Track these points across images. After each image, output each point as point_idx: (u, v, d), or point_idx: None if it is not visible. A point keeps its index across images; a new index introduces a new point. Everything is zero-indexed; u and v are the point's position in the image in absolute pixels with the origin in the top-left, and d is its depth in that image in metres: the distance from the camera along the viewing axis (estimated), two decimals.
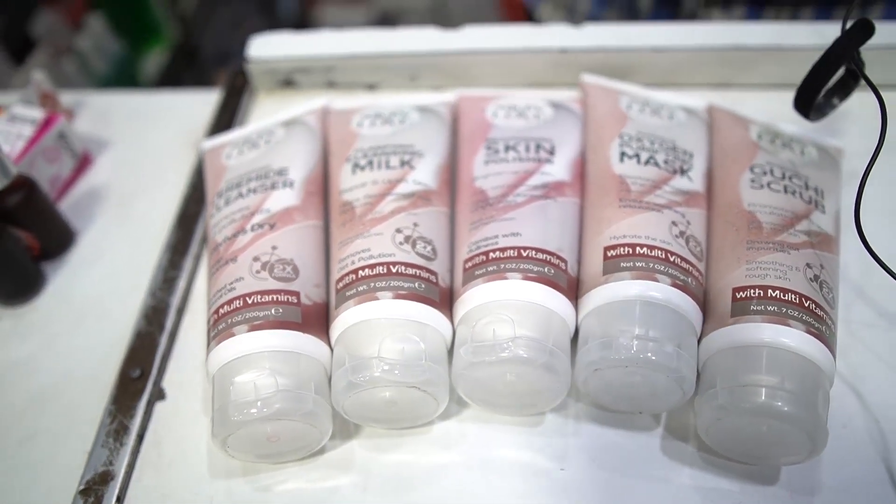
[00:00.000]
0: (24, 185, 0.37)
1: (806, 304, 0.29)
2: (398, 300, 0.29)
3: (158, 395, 0.34)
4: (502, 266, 0.29)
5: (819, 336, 0.28)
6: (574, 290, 0.31)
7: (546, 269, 0.29)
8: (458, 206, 0.34)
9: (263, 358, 0.28)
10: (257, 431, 0.28)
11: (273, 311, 0.29)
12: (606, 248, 0.30)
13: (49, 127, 0.41)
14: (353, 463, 0.31)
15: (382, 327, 0.28)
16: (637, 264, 0.29)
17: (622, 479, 0.29)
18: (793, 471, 0.29)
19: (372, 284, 0.29)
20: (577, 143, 0.36)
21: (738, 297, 0.29)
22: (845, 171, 0.36)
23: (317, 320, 0.30)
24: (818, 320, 0.28)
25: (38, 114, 0.42)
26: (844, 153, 0.37)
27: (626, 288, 0.29)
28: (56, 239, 0.40)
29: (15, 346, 0.37)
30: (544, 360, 0.27)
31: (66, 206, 0.43)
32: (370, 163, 0.34)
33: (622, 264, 0.30)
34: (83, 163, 0.44)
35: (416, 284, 0.29)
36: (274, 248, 0.31)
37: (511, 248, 0.30)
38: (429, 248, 0.31)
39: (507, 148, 0.35)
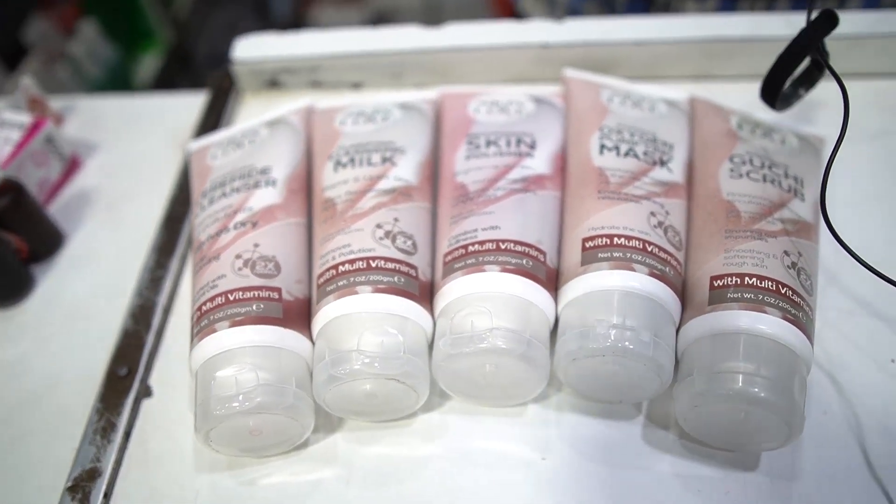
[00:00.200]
0: (12, 189, 0.38)
1: (783, 291, 0.29)
2: (377, 294, 0.29)
3: (145, 392, 0.34)
4: (481, 259, 0.30)
5: (796, 322, 0.28)
6: (553, 281, 0.31)
7: (524, 262, 0.30)
8: (440, 200, 0.34)
9: (245, 353, 0.29)
10: (239, 425, 0.28)
11: (254, 307, 0.30)
12: (585, 240, 0.31)
13: (37, 131, 0.42)
14: (337, 456, 0.31)
15: (362, 321, 0.29)
16: (615, 255, 0.30)
17: (604, 467, 0.30)
18: (773, 457, 0.29)
19: (352, 279, 0.30)
20: (559, 136, 0.36)
21: (716, 285, 0.29)
22: (825, 160, 0.36)
23: (299, 316, 0.31)
24: (795, 307, 0.29)
25: (25, 118, 0.42)
26: (825, 142, 0.37)
27: (604, 278, 0.29)
28: (45, 241, 0.40)
29: (4, 347, 0.37)
30: (522, 351, 0.28)
31: (54, 209, 0.43)
32: (352, 160, 0.35)
33: (600, 255, 0.30)
34: (72, 166, 0.45)
35: (396, 278, 0.30)
36: (256, 245, 0.32)
37: (490, 240, 0.30)
38: (409, 242, 0.31)
39: (489, 143, 0.35)
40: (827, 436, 0.30)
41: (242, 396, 0.27)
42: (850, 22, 0.40)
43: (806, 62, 0.34)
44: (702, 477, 0.29)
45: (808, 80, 0.35)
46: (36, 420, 0.34)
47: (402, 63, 0.44)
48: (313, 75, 0.45)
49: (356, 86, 0.45)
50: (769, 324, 0.28)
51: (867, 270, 0.29)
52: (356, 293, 0.29)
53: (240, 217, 0.33)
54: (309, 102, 0.40)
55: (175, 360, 0.35)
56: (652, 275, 0.29)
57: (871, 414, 0.30)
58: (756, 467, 0.29)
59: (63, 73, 0.82)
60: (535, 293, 0.29)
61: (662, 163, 0.34)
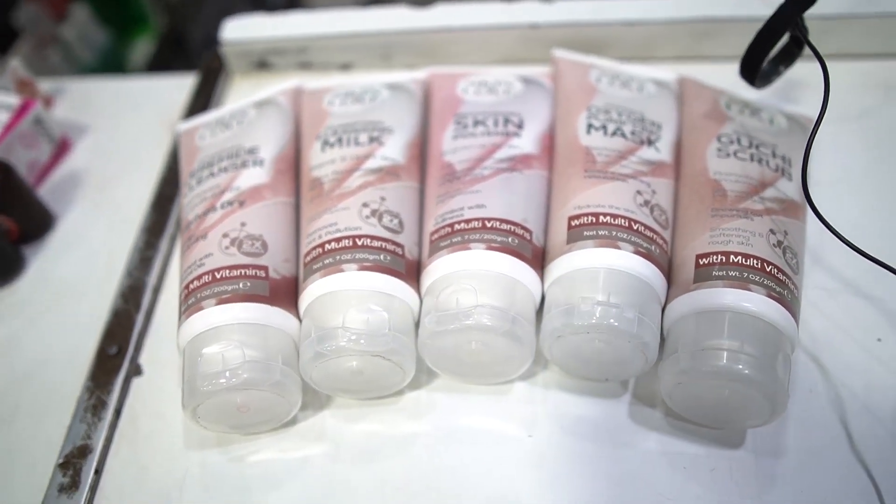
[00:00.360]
0: (1, 170, 0.38)
1: (768, 269, 0.29)
2: (363, 272, 0.29)
3: (135, 371, 0.34)
4: (466, 237, 0.30)
5: (780, 300, 0.28)
6: (540, 260, 0.31)
7: (510, 240, 0.30)
8: (427, 180, 0.34)
9: (232, 330, 0.29)
10: (227, 402, 0.28)
11: (241, 284, 0.30)
12: (571, 218, 0.31)
13: (25, 113, 0.42)
14: (325, 433, 0.31)
15: (348, 298, 0.29)
16: (600, 233, 0.30)
17: (590, 445, 0.30)
18: (758, 434, 0.30)
19: (338, 257, 0.30)
20: (547, 116, 0.36)
21: (702, 263, 0.30)
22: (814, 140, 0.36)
23: (286, 294, 0.31)
24: (780, 285, 0.29)
25: (13, 100, 0.42)
26: (814, 121, 0.37)
27: (589, 256, 0.29)
28: (35, 222, 0.40)
29: None
30: (507, 328, 0.28)
31: (45, 191, 0.43)
32: (339, 140, 0.35)
33: (585, 233, 0.30)
34: (62, 148, 0.45)
35: (382, 256, 0.30)
36: (243, 224, 0.32)
37: (476, 219, 0.30)
38: (395, 221, 0.31)
39: (476, 122, 0.35)
40: (812, 414, 0.30)
41: (229, 373, 0.27)
42: (836, 2, 0.40)
43: (785, 39, 0.34)
44: (687, 454, 0.29)
45: (788, 57, 0.35)
46: (27, 398, 0.34)
47: (391, 44, 0.43)
48: (302, 56, 0.45)
49: (345, 67, 0.45)
50: (754, 301, 0.28)
51: (853, 250, 0.29)
52: (342, 271, 0.29)
53: (227, 196, 0.33)
54: (297, 83, 0.40)
55: (165, 339, 0.35)
56: (637, 253, 0.29)
57: (855, 393, 0.30)
58: (741, 445, 0.29)
59: (55, 58, 0.81)
60: (520, 271, 0.29)
61: (650, 142, 0.34)
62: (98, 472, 0.31)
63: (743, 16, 0.40)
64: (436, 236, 0.31)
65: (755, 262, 0.29)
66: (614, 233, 0.30)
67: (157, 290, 0.37)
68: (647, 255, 0.29)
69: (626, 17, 0.41)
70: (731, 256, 0.29)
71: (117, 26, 0.93)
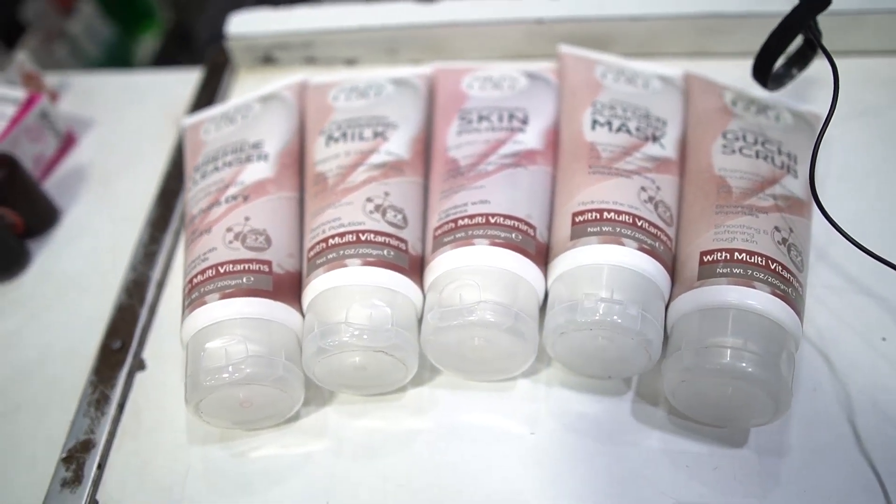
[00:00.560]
0: (6, 164, 0.38)
1: (772, 267, 0.29)
2: (366, 267, 0.29)
3: (139, 365, 0.34)
4: (470, 233, 0.30)
5: (785, 298, 0.28)
6: (543, 256, 0.31)
7: (514, 235, 0.30)
8: (432, 175, 0.34)
9: (235, 325, 0.29)
10: (229, 396, 0.28)
11: (244, 279, 0.30)
12: (575, 214, 0.30)
13: (31, 107, 0.42)
14: (327, 429, 0.31)
15: (351, 293, 0.29)
16: (604, 229, 0.30)
17: (592, 443, 0.30)
18: (762, 433, 0.29)
19: (341, 252, 0.30)
20: (552, 112, 0.36)
21: (706, 260, 0.29)
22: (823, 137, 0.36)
23: (289, 289, 0.31)
24: (784, 282, 0.29)
25: (20, 94, 0.42)
26: (821, 119, 0.36)
27: (593, 252, 0.29)
28: (40, 216, 0.40)
29: (0, 321, 0.37)
30: (510, 324, 0.28)
31: (50, 185, 0.43)
32: (343, 135, 0.35)
33: (589, 229, 0.30)
34: (67, 142, 0.45)
35: (385, 252, 0.30)
36: (247, 218, 0.32)
37: (479, 214, 0.30)
38: (399, 216, 0.31)
39: (481, 118, 0.35)
40: (817, 413, 0.30)
41: (232, 367, 0.27)
42: None
43: (799, 41, 0.34)
44: (690, 453, 0.29)
45: (802, 60, 0.35)
46: (31, 392, 0.34)
47: (396, 39, 0.43)
48: (307, 51, 0.45)
49: (350, 62, 0.45)
50: (758, 299, 0.28)
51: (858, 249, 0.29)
52: (345, 266, 0.29)
53: (231, 191, 0.33)
54: (303, 78, 0.40)
55: (168, 333, 0.35)
56: (641, 249, 0.29)
57: (861, 391, 0.30)
58: (745, 443, 0.29)
59: (61, 52, 0.81)
60: (524, 267, 0.29)
61: (655, 138, 0.34)
62: (101, 466, 0.31)
63: (749, 11, 0.40)
64: (439, 232, 0.31)
65: (760, 259, 0.29)
66: (618, 229, 0.29)
67: (160, 284, 0.37)
68: (651, 252, 0.29)
69: (631, 13, 0.41)
70: (736, 254, 0.29)
71: (123, 21, 0.93)
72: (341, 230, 0.30)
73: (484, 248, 0.29)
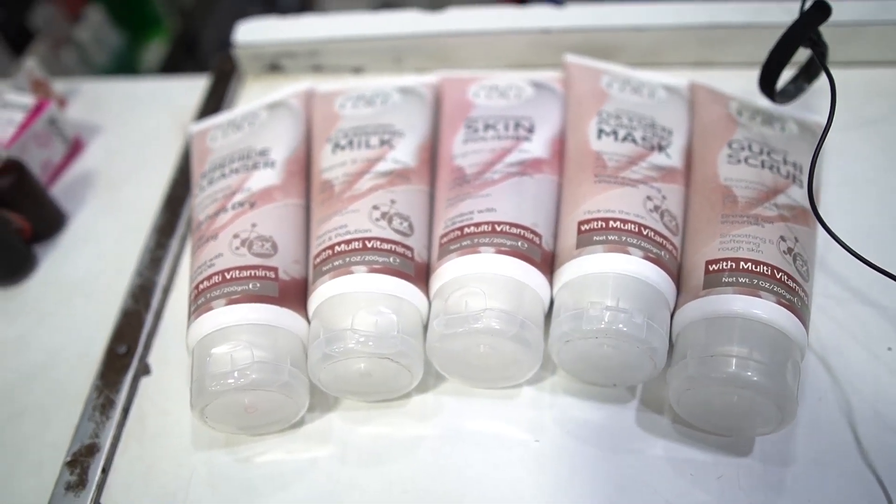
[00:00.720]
0: (15, 169, 0.38)
1: (778, 276, 0.29)
2: (372, 274, 0.29)
3: (144, 370, 0.34)
4: (476, 240, 0.30)
5: (790, 307, 0.28)
6: (549, 264, 0.31)
7: (519, 244, 0.30)
8: (438, 183, 0.34)
9: (240, 331, 0.29)
10: (235, 402, 0.28)
11: (251, 285, 0.30)
12: (580, 223, 0.31)
13: (39, 113, 0.42)
14: (332, 435, 0.31)
15: (357, 300, 0.29)
16: (610, 238, 0.30)
17: (597, 451, 0.30)
18: (766, 442, 0.29)
19: (347, 259, 0.30)
20: (558, 121, 0.36)
21: (711, 269, 0.29)
22: (826, 147, 0.36)
23: (295, 295, 0.31)
24: (790, 292, 0.29)
25: (28, 100, 0.42)
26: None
27: (598, 261, 0.29)
28: (47, 221, 0.41)
29: (6, 325, 0.37)
30: (515, 332, 0.28)
31: (57, 190, 0.43)
32: (350, 142, 0.35)
33: (595, 238, 0.30)
34: (75, 148, 0.45)
35: (391, 259, 0.30)
36: (254, 225, 0.32)
37: (485, 223, 0.30)
38: (405, 224, 0.31)
39: (487, 126, 0.35)
40: (821, 422, 0.30)
41: (237, 373, 0.28)
42: (850, 10, 0.39)
43: (806, 54, 0.34)
44: (695, 461, 0.29)
45: (808, 74, 0.35)
46: (36, 396, 0.34)
47: (402, 48, 0.44)
48: (314, 59, 0.45)
49: (357, 70, 0.45)
50: (763, 308, 0.28)
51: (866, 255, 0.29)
52: (352, 273, 0.29)
53: (238, 197, 0.33)
54: (309, 86, 0.40)
55: (174, 339, 0.35)
56: (647, 258, 0.29)
57: (865, 402, 0.30)
58: (749, 452, 0.29)
59: (69, 59, 0.82)
60: (529, 275, 0.29)
61: (661, 148, 0.34)
62: (105, 470, 0.31)
63: (752, 22, 0.40)
64: (445, 239, 0.31)
65: (765, 268, 0.29)
66: (624, 238, 0.30)
67: (166, 290, 0.37)
68: (657, 261, 0.29)
69: (636, 23, 0.41)
70: (742, 263, 0.29)
71: (131, 28, 0.94)
72: (347, 237, 0.30)
73: (490, 256, 0.29)
